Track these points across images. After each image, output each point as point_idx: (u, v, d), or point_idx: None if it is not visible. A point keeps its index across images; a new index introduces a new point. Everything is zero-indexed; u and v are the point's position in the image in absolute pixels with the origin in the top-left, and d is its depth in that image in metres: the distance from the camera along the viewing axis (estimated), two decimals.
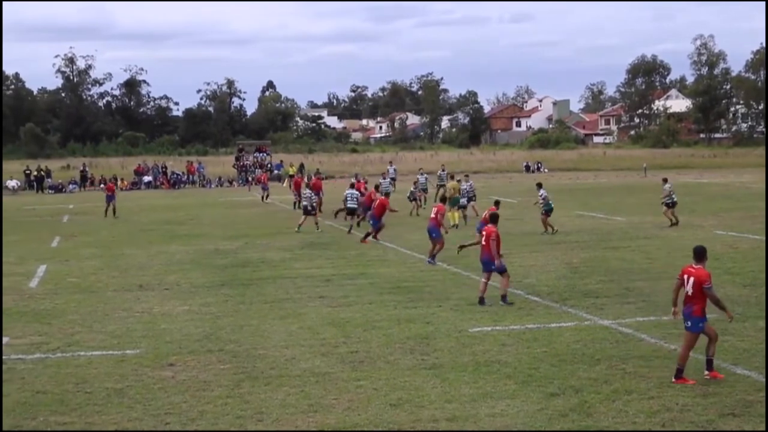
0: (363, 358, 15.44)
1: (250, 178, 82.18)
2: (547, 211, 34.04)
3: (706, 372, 13.68)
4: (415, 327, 17.82)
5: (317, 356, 15.62)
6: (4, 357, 15.73)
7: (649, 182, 69.28)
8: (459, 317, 18.75)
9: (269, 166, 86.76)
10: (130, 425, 12.16)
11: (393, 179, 52.36)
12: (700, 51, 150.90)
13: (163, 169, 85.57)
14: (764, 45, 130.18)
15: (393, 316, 18.89)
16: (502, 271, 20.11)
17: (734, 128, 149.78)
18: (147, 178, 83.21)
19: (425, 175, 50.37)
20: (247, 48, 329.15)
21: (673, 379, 13.50)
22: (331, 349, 16.15)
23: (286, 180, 73.99)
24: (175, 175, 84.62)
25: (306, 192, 38.17)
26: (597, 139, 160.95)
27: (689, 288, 13.61)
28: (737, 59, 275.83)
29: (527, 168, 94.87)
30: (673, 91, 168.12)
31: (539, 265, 26.07)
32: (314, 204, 37.22)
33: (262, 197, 58.38)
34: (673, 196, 35.19)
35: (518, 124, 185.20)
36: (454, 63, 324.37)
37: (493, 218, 21.51)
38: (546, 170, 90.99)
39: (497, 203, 27.80)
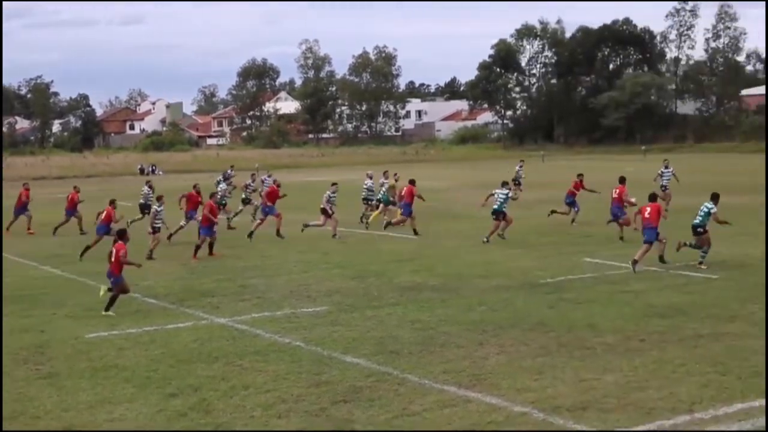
0: None
1: None
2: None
3: None
4: (29, 336, 17.25)
5: None
6: None
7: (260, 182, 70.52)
8: (75, 324, 18.36)
9: None
10: None
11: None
12: (306, 55, 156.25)
13: None
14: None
15: (5, 327, 18.14)
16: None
17: (340, 128, 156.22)
18: None
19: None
20: None
21: None
22: None
23: None
24: None
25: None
26: (211, 141, 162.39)
27: None
28: (341, 63, 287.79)
29: (141, 171, 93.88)
30: (283, 94, 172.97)
31: (156, 267, 25.97)
32: None
33: None
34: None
35: (132, 127, 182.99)
36: (65, 66, 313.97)
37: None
38: (161, 172, 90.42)
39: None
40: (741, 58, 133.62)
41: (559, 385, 13.05)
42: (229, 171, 55.67)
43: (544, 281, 21.71)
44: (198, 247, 27.54)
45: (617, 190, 29.63)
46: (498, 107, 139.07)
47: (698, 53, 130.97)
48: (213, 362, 14.93)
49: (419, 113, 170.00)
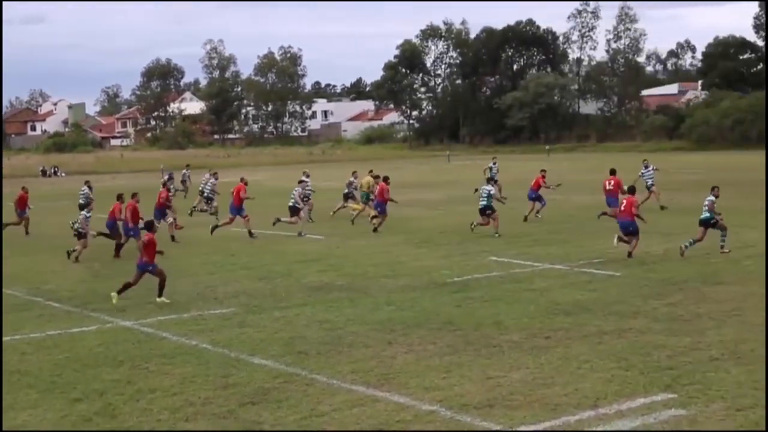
0: None
1: None
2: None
3: None
4: None
5: None
6: None
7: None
8: None
9: None
10: None
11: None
12: (211, 55, 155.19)
13: None
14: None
15: None
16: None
17: (246, 129, 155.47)
18: None
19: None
20: None
21: None
22: None
23: None
24: None
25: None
26: (114, 142, 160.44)
27: None
28: (246, 63, 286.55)
29: (43, 173, 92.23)
30: (188, 94, 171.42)
31: (59, 270, 25.56)
32: None
33: None
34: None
35: (33, 128, 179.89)
36: None
37: None
38: (63, 174, 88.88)
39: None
40: (641, 59, 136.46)
41: (466, 383, 13.15)
42: (184, 171, 54.99)
43: (451, 280, 21.88)
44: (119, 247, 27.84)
45: (611, 182, 30.65)
46: (404, 107, 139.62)
47: (600, 54, 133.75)
48: (119, 366, 14.73)
49: (325, 113, 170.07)
